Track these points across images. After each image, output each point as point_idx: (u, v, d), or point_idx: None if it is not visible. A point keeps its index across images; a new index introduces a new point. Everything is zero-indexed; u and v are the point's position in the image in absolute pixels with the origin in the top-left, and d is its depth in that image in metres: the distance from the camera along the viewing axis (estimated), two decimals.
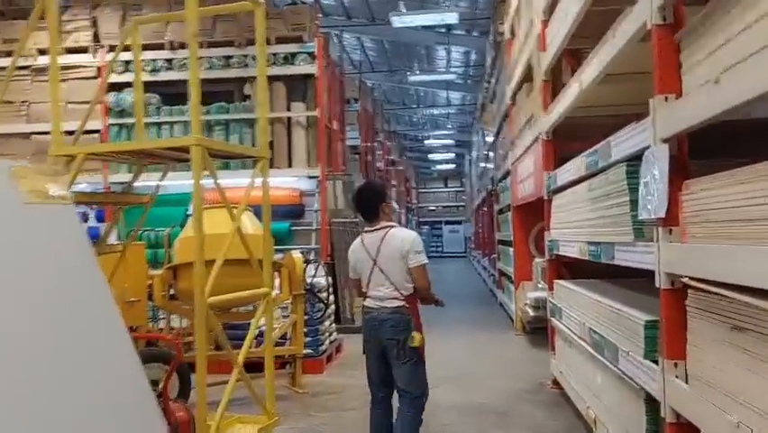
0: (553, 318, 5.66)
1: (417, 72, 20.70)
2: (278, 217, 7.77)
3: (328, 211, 9.07)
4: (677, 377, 2.73)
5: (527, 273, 8.55)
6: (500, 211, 11.94)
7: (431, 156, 36.23)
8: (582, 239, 4.38)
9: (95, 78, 9.34)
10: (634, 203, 3.18)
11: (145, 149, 3.80)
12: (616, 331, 3.57)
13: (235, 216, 3.69)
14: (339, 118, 10.48)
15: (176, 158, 3.98)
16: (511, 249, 9.78)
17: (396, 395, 3.95)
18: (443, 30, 16.71)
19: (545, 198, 5.82)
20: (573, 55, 5.05)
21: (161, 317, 6.44)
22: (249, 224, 4.68)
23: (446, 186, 39.11)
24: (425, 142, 32.22)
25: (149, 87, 8.62)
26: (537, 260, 7.81)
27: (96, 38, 9.46)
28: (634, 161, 3.20)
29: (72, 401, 2.19)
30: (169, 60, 9.11)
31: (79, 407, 2.20)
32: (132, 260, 4.67)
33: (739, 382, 2.23)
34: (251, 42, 8.38)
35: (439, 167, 39.15)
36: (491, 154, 14.05)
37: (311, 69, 8.80)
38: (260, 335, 4.97)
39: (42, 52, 8.99)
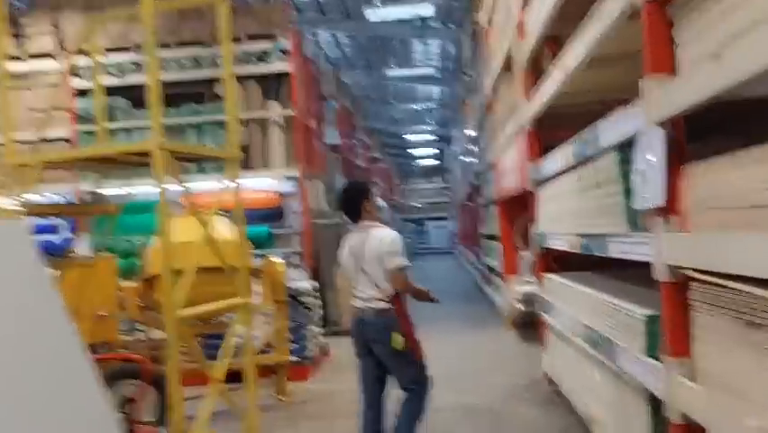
0: (543, 314, 5.50)
1: (393, 67, 20.54)
2: (257, 221, 7.53)
3: (311, 212, 8.83)
4: (683, 376, 2.55)
5: (514, 268, 8.40)
6: (485, 205, 11.78)
7: (413, 152, 36.10)
8: (572, 231, 4.20)
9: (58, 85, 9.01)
10: (627, 192, 3.01)
11: (105, 155, 3.57)
12: (613, 327, 3.40)
13: (205, 221, 3.47)
14: (316, 116, 10.23)
15: (140, 163, 3.76)
16: (497, 243, 9.62)
17: (391, 399, 3.94)
18: (418, 23, 16.55)
19: (531, 190, 5.65)
20: (555, 41, 4.87)
21: (140, 329, 6.19)
22: (226, 230, 4.45)
23: (430, 181, 39.02)
24: (406, 137, 32.08)
25: (118, 91, 8.33)
26: (523, 253, 7.65)
27: (60, 43, 9.14)
28: (625, 148, 3.03)
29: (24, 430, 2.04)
30: (136, 64, 8.80)
31: None
32: (102, 273, 4.47)
33: (752, 382, 2.05)
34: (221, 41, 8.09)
35: (421, 162, 39.03)
36: (474, 148, 13.89)
37: (285, 66, 8.55)
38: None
39: None
